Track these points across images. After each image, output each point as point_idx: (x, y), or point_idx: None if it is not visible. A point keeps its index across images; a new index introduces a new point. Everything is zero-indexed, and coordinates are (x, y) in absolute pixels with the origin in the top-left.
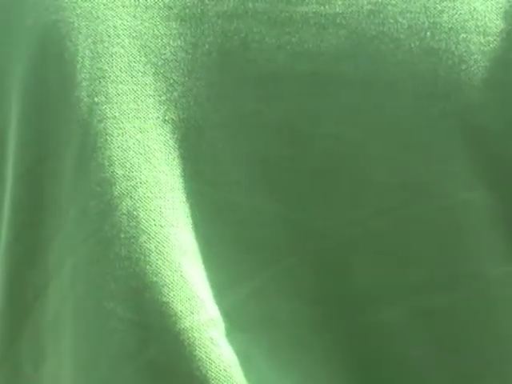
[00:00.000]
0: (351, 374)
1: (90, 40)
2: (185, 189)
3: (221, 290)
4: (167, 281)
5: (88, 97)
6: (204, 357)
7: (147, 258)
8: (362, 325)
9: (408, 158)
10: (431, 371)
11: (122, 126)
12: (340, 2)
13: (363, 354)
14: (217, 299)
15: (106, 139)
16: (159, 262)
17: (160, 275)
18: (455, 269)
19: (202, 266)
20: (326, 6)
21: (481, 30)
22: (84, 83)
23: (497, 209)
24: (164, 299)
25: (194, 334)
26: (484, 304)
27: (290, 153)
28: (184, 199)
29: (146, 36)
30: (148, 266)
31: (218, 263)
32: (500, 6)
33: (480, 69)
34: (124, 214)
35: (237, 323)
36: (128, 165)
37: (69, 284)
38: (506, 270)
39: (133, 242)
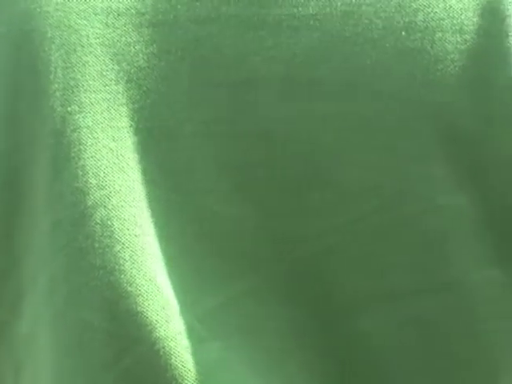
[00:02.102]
0: (332, 381)
1: (62, 50)
2: (159, 198)
3: (197, 298)
4: (142, 290)
5: (61, 106)
6: (180, 366)
7: (122, 268)
8: (343, 332)
9: (384, 161)
10: (412, 377)
11: (95, 135)
12: (313, 4)
13: (344, 362)
14: (193, 307)
15: (80, 149)
16: (133, 271)
17: (134, 285)
18: (436, 274)
19: (178, 275)
20: (300, 8)
21: (457, 28)
22: (57, 93)
23: (478, 212)
24: (139, 309)
25: (170, 343)
26: (465, 308)
27: (264, 160)
28: (158, 208)
29: (119, 44)
30: (122, 276)
31: (193, 272)
32: (477, 2)
33: (457, 68)
34: (98, 223)
35: (214, 331)
36: (101, 174)
37: (45, 295)
38: (487, 274)
39: (107, 252)
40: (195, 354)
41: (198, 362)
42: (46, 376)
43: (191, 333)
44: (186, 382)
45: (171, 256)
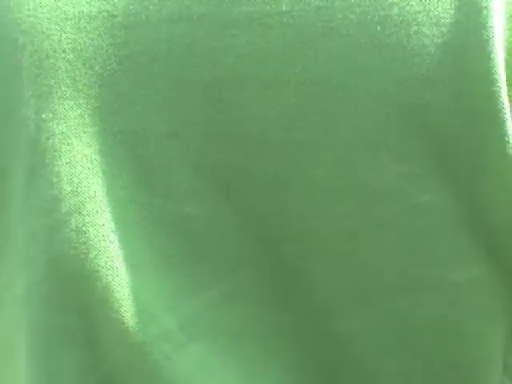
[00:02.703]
0: (316, 382)
1: (35, 57)
2: (136, 201)
3: (177, 301)
4: (117, 296)
5: (35, 114)
6: (156, 373)
7: (97, 274)
8: (325, 332)
9: (363, 160)
10: (396, 377)
11: (69, 141)
12: (286, 0)
13: (328, 362)
14: (172, 311)
15: (54, 156)
16: (109, 277)
17: (110, 291)
18: (417, 272)
19: (156, 279)
20: (273, 5)
21: (433, 21)
22: (31, 101)
23: (459, 210)
24: (115, 315)
25: (146, 349)
26: (448, 308)
27: (240, 160)
28: (136, 212)
29: (91, 48)
30: (98, 282)
31: (173, 275)
32: None
33: (434, 62)
34: (73, 230)
35: (194, 335)
36: (76, 180)
37: (21, 303)
38: (469, 273)
39: (83, 258)
40: (172, 358)
41: (175, 367)
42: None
43: (169, 338)
44: None
45: (149, 260)
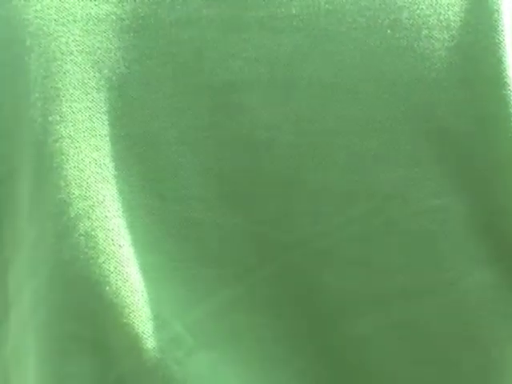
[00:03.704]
0: None
1: (42, 59)
2: (144, 206)
3: (185, 306)
4: (128, 302)
5: (42, 117)
6: (168, 378)
7: (107, 279)
8: (336, 338)
9: (373, 163)
10: (404, 380)
11: (77, 145)
12: (296, 4)
13: (335, 367)
14: (181, 316)
15: (62, 159)
16: (119, 282)
17: (120, 296)
18: (428, 277)
19: (165, 284)
20: (282, 9)
21: (444, 24)
22: (38, 103)
23: (468, 214)
24: (125, 320)
25: (157, 355)
26: (459, 312)
27: (249, 164)
28: (144, 216)
29: (99, 51)
30: (108, 288)
31: (181, 280)
32: None
33: (444, 66)
34: (82, 234)
35: (203, 340)
36: (84, 184)
37: (30, 308)
38: (479, 276)
39: (92, 263)
40: (183, 364)
41: (187, 373)
42: None
43: (180, 343)
44: None
45: (158, 265)
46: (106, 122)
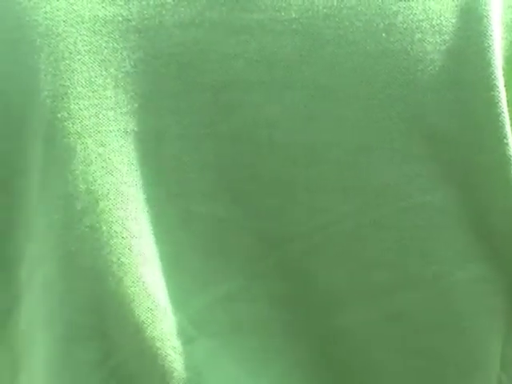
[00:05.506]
0: (321, 379)
1: (51, 58)
2: (148, 199)
3: (187, 297)
4: (129, 291)
5: (51, 114)
6: (167, 367)
7: (110, 270)
8: (331, 329)
9: (366, 161)
10: (396, 373)
11: (84, 140)
12: (296, 8)
13: (331, 359)
14: (182, 306)
15: (69, 155)
16: (121, 273)
17: (122, 286)
18: (418, 270)
19: (167, 275)
20: (282, 13)
21: (436, 29)
22: (47, 101)
23: (458, 209)
24: (126, 310)
25: (156, 344)
26: (447, 305)
27: (249, 162)
28: (147, 209)
29: (106, 50)
30: (110, 278)
31: (183, 271)
32: (455, 4)
33: (436, 68)
34: (87, 227)
35: (203, 330)
36: (90, 179)
37: (39, 295)
38: (469, 271)
39: (96, 255)
40: (184, 353)
41: (187, 362)
42: (40, 375)
43: (182, 332)
44: (173, 381)
45: (161, 257)
46: (112, 118)
